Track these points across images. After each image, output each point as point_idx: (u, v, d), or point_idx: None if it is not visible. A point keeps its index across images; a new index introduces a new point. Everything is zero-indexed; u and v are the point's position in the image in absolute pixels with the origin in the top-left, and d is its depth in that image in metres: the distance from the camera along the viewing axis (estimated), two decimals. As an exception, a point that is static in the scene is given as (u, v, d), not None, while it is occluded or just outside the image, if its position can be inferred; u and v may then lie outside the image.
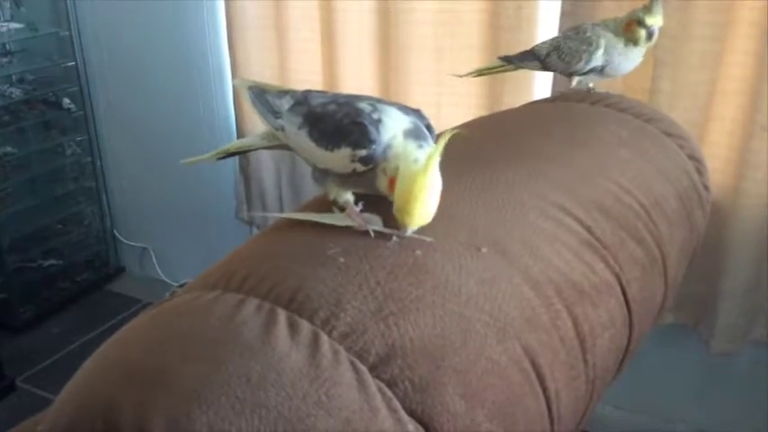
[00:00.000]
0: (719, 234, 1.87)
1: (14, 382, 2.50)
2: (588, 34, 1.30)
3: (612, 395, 2.10)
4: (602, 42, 1.29)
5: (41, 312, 2.84)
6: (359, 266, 0.74)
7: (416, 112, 0.86)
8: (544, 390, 0.76)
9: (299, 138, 0.88)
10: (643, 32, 1.25)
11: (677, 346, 2.09)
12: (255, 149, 1.05)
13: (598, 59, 1.30)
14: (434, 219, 0.80)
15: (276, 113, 0.91)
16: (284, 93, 0.92)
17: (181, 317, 0.72)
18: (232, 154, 1.06)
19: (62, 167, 2.93)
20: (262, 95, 0.93)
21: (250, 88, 0.95)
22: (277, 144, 0.95)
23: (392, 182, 0.79)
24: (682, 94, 1.81)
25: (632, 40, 1.26)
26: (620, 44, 1.27)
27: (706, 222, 1.20)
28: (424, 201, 0.77)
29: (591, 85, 1.33)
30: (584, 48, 1.30)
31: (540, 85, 2.02)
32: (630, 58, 1.28)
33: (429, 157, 0.77)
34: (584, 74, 1.33)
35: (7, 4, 2.72)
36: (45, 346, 2.69)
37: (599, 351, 0.84)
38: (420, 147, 0.80)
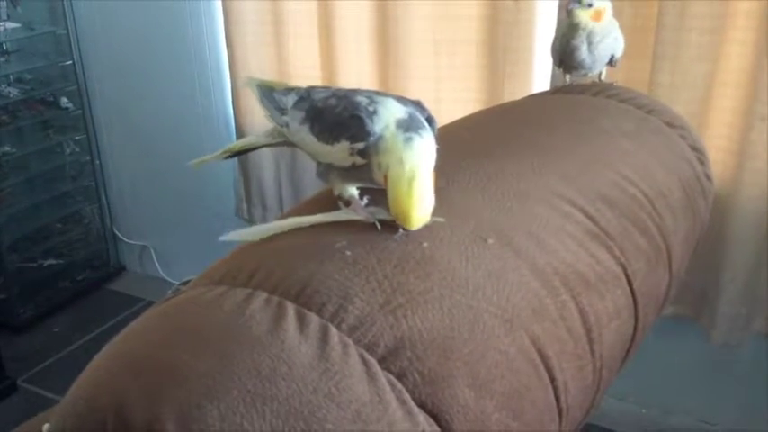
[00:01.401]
0: (720, 225, 1.88)
1: (16, 382, 2.50)
2: (562, 28, 1.31)
3: (613, 386, 2.10)
4: (559, 35, 1.30)
5: (42, 312, 2.85)
6: (366, 259, 0.74)
7: (416, 104, 0.86)
8: (552, 380, 0.77)
9: (302, 134, 0.88)
10: (579, 11, 1.24)
11: (678, 337, 2.09)
12: (260, 147, 1.05)
13: (556, 52, 1.30)
14: (441, 209, 0.80)
15: (282, 110, 0.92)
16: (290, 90, 0.93)
17: (189, 312, 0.72)
18: (237, 153, 1.06)
19: (61, 167, 2.93)
20: (269, 93, 0.94)
21: (258, 86, 0.95)
22: (281, 141, 0.96)
23: (387, 178, 0.79)
24: (681, 86, 1.82)
25: (576, 24, 1.26)
26: (568, 33, 1.27)
27: (709, 213, 1.21)
28: (417, 208, 0.77)
29: (602, 76, 1.33)
30: (557, 44, 1.31)
31: (539, 79, 2.02)
32: (576, 46, 1.27)
33: (414, 171, 0.77)
34: (561, 68, 1.33)
35: (3, 4, 2.72)
36: (46, 345, 2.70)
37: (606, 341, 0.85)
38: (409, 139, 0.79)
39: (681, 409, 2.19)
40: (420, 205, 0.77)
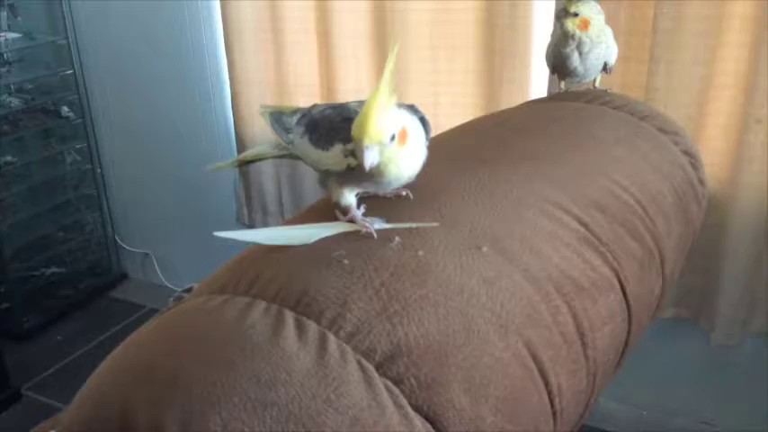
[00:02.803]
0: (718, 227, 1.89)
1: (20, 390, 2.51)
2: (554, 35, 1.32)
3: (614, 389, 2.12)
4: (551, 42, 1.31)
5: (45, 320, 2.85)
6: (363, 268, 0.76)
7: (409, 107, 0.89)
8: (546, 384, 0.78)
9: (303, 145, 0.92)
10: (565, 20, 1.25)
11: (678, 339, 2.10)
12: (270, 158, 1.08)
13: (549, 59, 1.32)
14: (435, 219, 0.82)
15: (288, 130, 0.96)
16: (296, 110, 0.97)
17: (192, 320, 0.74)
18: (249, 161, 1.09)
19: (62, 175, 2.94)
20: (279, 117, 0.98)
21: (271, 114, 0.99)
22: (288, 154, 0.99)
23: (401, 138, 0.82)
24: (677, 89, 1.83)
25: (565, 33, 1.27)
26: (560, 41, 1.28)
27: (703, 216, 1.22)
28: (375, 118, 0.80)
29: (596, 83, 1.35)
30: (550, 51, 1.32)
31: (537, 84, 2.04)
32: (567, 54, 1.28)
33: (381, 81, 0.81)
34: (555, 75, 1.35)
35: (4, 14, 2.73)
36: (49, 353, 2.70)
37: (599, 345, 0.86)
38: None
39: (682, 411, 2.20)
40: (377, 118, 0.80)
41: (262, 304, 0.73)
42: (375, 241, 0.80)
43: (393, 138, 0.81)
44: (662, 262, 1.02)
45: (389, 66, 0.81)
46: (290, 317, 0.71)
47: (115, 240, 3.12)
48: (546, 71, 1.97)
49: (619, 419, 2.21)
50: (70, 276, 3.00)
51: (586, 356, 0.84)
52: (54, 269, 2.95)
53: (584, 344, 0.83)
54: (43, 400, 2.49)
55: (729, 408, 2.12)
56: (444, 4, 2.07)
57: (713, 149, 1.87)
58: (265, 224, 2.60)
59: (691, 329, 2.06)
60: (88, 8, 2.75)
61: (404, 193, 0.90)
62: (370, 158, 0.80)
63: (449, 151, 1.01)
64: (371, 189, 0.89)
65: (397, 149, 0.82)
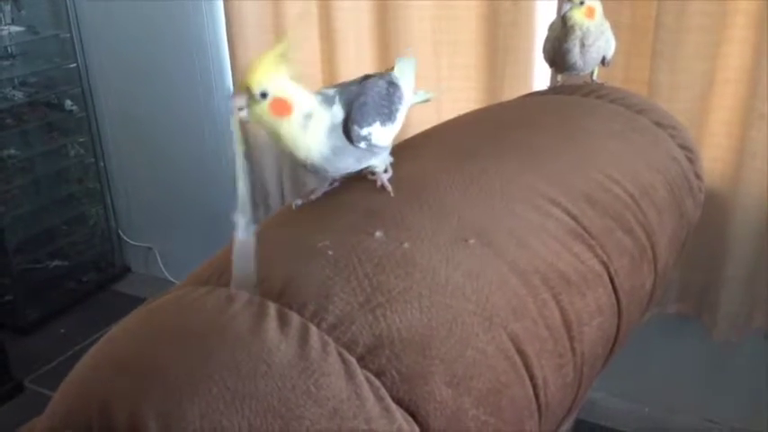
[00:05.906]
0: (720, 223, 1.88)
1: (22, 383, 2.52)
2: (554, 30, 1.32)
3: (616, 385, 2.12)
4: (551, 37, 1.30)
5: (48, 313, 2.86)
6: (347, 259, 0.75)
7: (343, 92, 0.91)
8: (531, 377, 0.77)
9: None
10: (572, 12, 1.25)
11: (680, 336, 2.09)
12: None
13: (548, 53, 1.31)
14: (423, 210, 0.82)
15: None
16: None
17: (173, 311, 0.74)
18: None
19: (66, 169, 2.95)
20: None
21: None
22: None
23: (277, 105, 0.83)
24: (680, 85, 1.82)
25: (566, 29, 1.26)
26: (561, 35, 1.28)
27: (699, 210, 1.21)
28: (252, 68, 0.83)
29: (594, 75, 1.34)
30: (549, 45, 1.32)
31: (539, 79, 2.03)
32: (568, 49, 1.27)
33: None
34: (552, 68, 1.34)
35: (8, 8, 2.74)
36: (52, 346, 2.70)
37: (587, 339, 0.85)
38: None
39: (684, 408, 2.19)
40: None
41: (244, 295, 0.72)
42: (360, 233, 0.80)
43: (265, 95, 0.83)
44: (654, 256, 1.01)
45: (287, 38, 0.82)
46: (272, 308, 0.70)
47: (118, 234, 3.13)
48: (548, 67, 1.96)
49: (621, 416, 2.20)
50: (73, 269, 3.01)
51: (573, 350, 0.83)
52: (57, 262, 2.96)
53: (570, 337, 0.83)
54: (45, 392, 2.49)
55: (732, 405, 2.11)
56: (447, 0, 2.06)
57: (716, 145, 1.86)
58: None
59: (693, 326, 2.06)
60: (92, 2, 2.75)
61: (378, 184, 0.90)
62: (236, 102, 0.83)
63: (439, 144, 1.01)
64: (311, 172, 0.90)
65: (273, 116, 0.85)
